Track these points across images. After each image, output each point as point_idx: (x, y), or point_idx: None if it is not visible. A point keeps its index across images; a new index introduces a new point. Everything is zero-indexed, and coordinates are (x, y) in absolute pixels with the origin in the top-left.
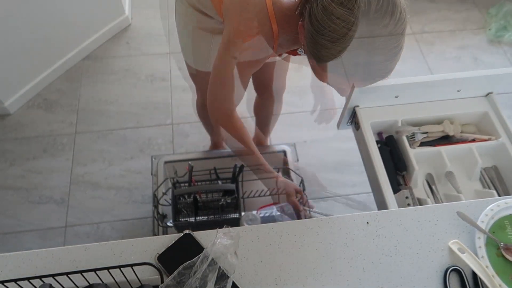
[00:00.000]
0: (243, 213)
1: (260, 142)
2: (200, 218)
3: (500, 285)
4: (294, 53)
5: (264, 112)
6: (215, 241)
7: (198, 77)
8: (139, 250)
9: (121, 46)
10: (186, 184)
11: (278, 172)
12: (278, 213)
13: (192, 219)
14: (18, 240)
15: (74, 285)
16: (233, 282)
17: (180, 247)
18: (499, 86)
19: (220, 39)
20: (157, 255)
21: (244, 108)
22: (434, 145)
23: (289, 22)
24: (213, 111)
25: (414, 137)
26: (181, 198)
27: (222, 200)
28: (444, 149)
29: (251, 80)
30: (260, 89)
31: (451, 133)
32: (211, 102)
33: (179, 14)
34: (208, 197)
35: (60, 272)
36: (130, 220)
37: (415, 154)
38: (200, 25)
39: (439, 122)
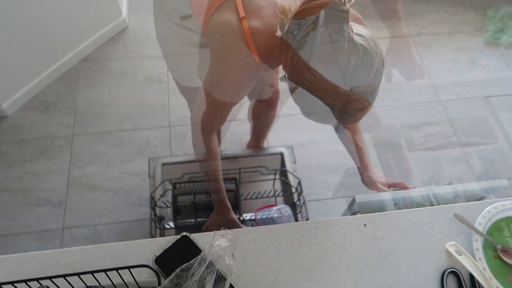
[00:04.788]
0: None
1: (257, 145)
2: (199, 220)
3: (497, 287)
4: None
5: (263, 118)
6: (212, 243)
7: (187, 93)
8: (136, 252)
9: (119, 48)
10: (185, 185)
11: (275, 173)
12: (276, 215)
13: (191, 220)
14: (15, 242)
15: None
16: (231, 284)
17: (178, 249)
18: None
19: (207, 53)
20: (155, 257)
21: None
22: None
23: (270, 50)
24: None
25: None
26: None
27: None
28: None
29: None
30: (262, 100)
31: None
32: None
33: (162, 33)
34: (207, 197)
35: (57, 274)
36: (127, 222)
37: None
38: (187, 40)
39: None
